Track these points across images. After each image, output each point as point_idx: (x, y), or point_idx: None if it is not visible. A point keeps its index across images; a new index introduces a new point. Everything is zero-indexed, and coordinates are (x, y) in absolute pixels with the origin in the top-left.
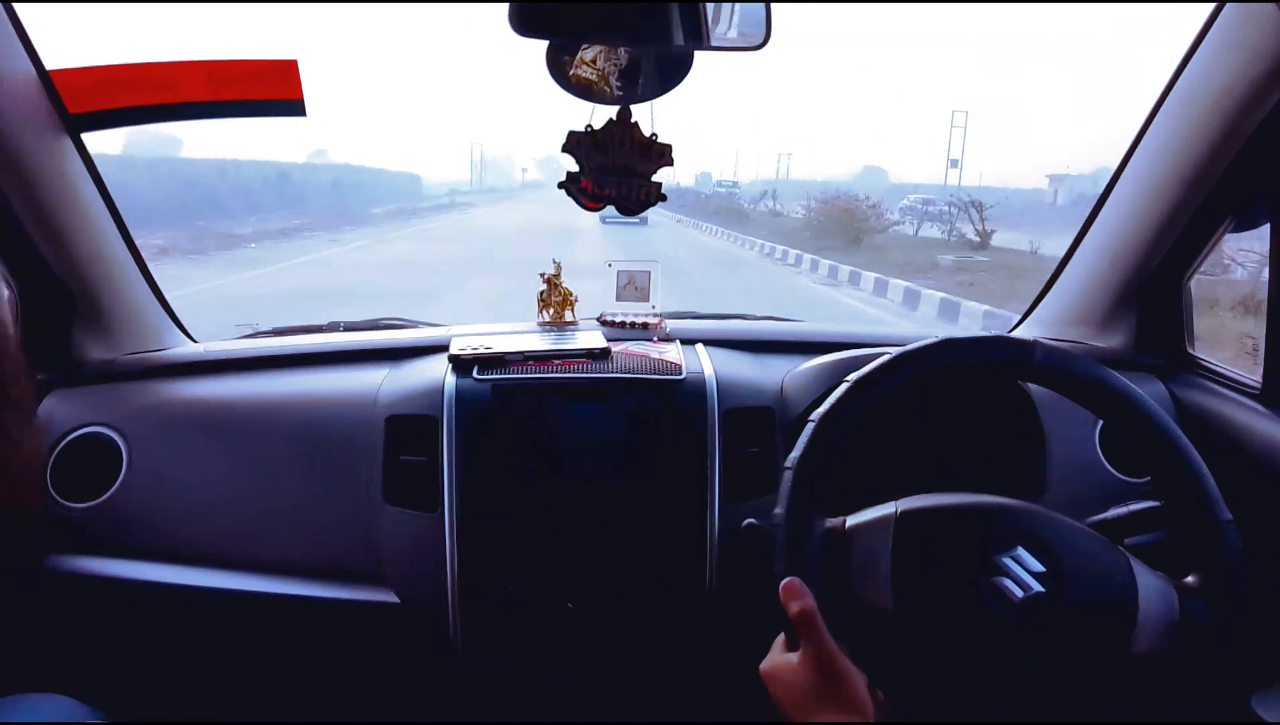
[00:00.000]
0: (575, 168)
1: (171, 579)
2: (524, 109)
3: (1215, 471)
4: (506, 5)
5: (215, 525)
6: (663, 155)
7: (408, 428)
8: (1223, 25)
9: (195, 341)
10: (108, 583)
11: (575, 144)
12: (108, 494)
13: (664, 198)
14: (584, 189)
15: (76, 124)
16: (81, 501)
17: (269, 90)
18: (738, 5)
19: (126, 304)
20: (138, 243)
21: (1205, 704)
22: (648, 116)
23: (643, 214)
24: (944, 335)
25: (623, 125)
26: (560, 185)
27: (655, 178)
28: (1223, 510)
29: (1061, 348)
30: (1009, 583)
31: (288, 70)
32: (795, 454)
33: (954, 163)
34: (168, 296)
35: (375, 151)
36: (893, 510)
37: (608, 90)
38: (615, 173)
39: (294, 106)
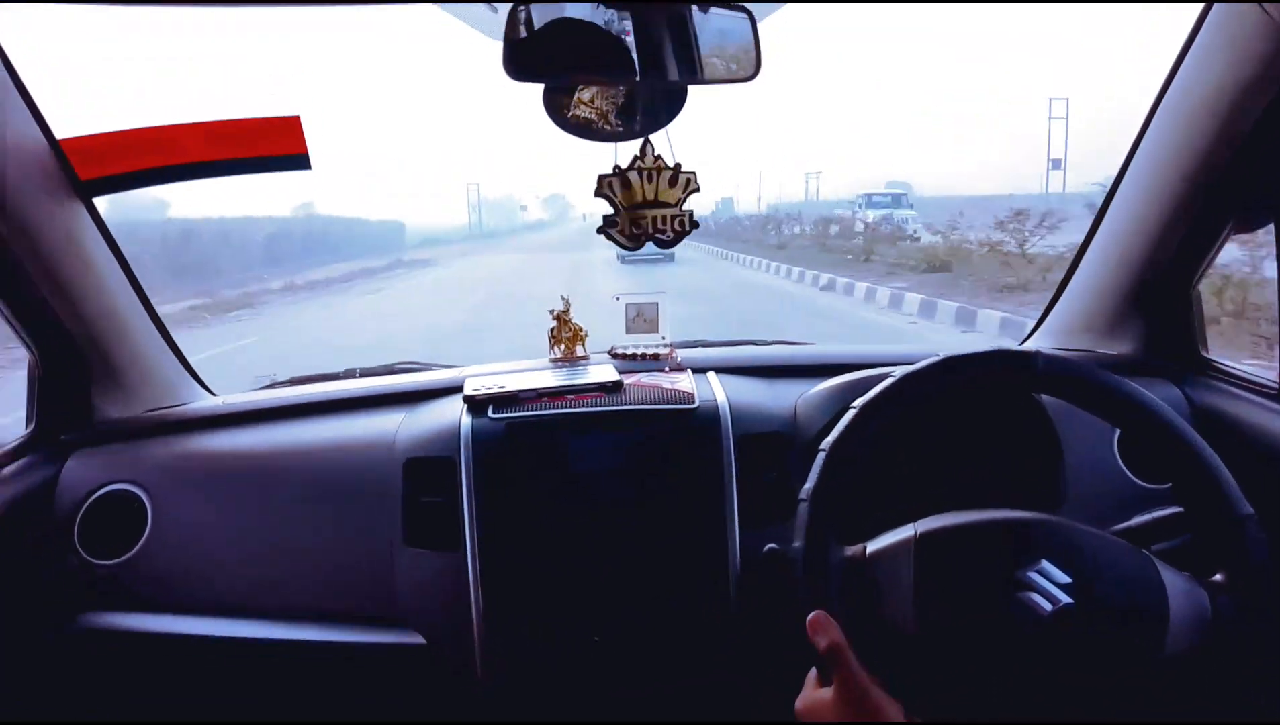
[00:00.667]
0: (610, 210)
1: (200, 630)
2: (524, 148)
3: (1235, 472)
4: (500, 50)
5: (241, 575)
6: (689, 183)
7: (426, 470)
8: (1211, 27)
9: (214, 394)
10: (138, 637)
11: (606, 187)
12: (134, 550)
13: (696, 225)
14: (621, 230)
15: (87, 189)
16: (109, 558)
17: (273, 146)
18: (729, 39)
19: (144, 362)
20: None
21: (1241, 703)
22: (667, 147)
23: (669, 250)
24: (945, 353)
25: (647, 159)
26: (599, 231)
27: (685, 207)
28: (1243, 505)
29: (1063, 356)
30: (1036, 597)
31: (291, 126)
32: (809, 485)
33: (1055, 164)
34: None
35: (367, 201)
36: (911, 533)
37: (608, 127)
38: (648, 208)
39: (299, 161)
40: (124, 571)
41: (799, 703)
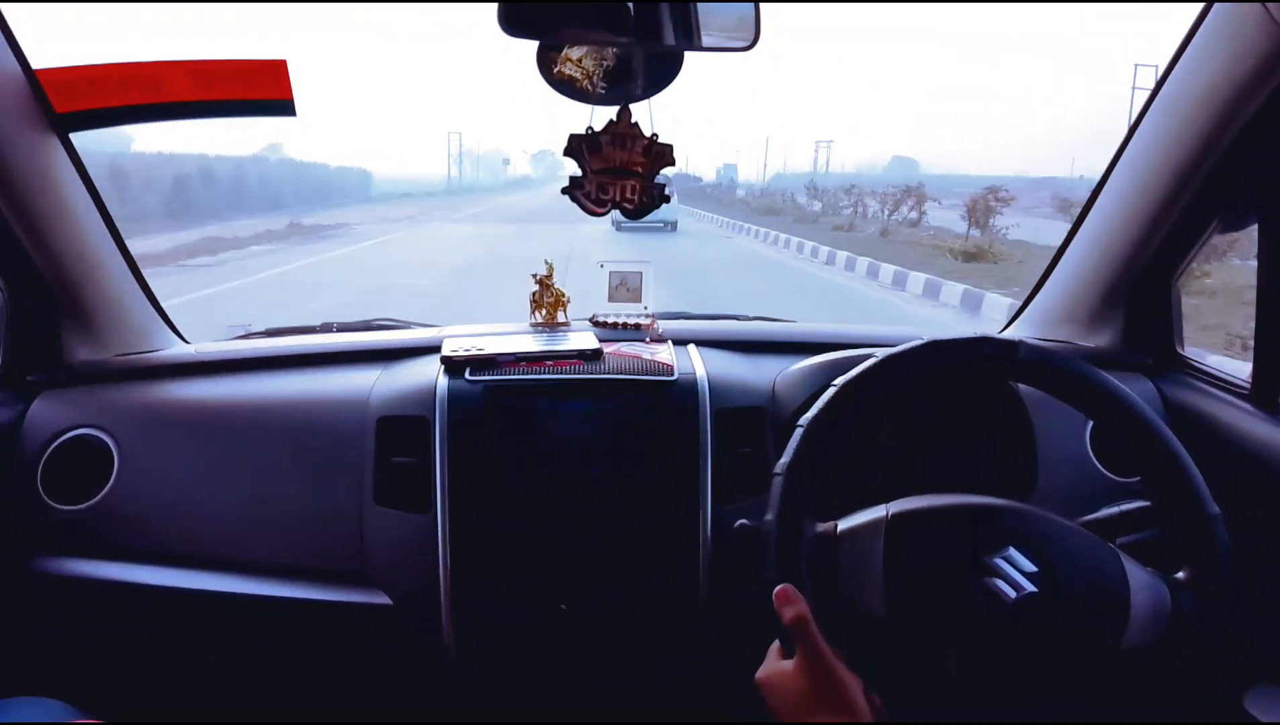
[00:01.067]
0: (578, 172)
1: (162, 581)
2: (512, 99)
3: (1204, 470)
4: (495, 4)
5: (206, 527)
6: (663, 156)
7: (400, 429)
8: (1210, 25)
9: (187, 342)
10: (99, 585)
11: (575, 147)
12: (99, 496)
13: (667, 199)
14: (587, 193)
15: (64, 124)
16: (72, 503)
17: (258, 90)
18: (728, 5)
19: (116, 305)
20: None
21: (1198, 701)
22: (646, 116)
23: (672, 217)
24: (929, 336)
25: (622, 126)
26: (564, 191)
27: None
28: (1210, 504)
29: (1045, 346)
30: (1001, 583)
31: (277, 70)
32: (784, 460)
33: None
34: None
35: (346, 147)
36: (884, 513)
37: (591, 89)
38: (617, 175)
39: (284, 106)
40: (87, 518)
41: (760, 673)
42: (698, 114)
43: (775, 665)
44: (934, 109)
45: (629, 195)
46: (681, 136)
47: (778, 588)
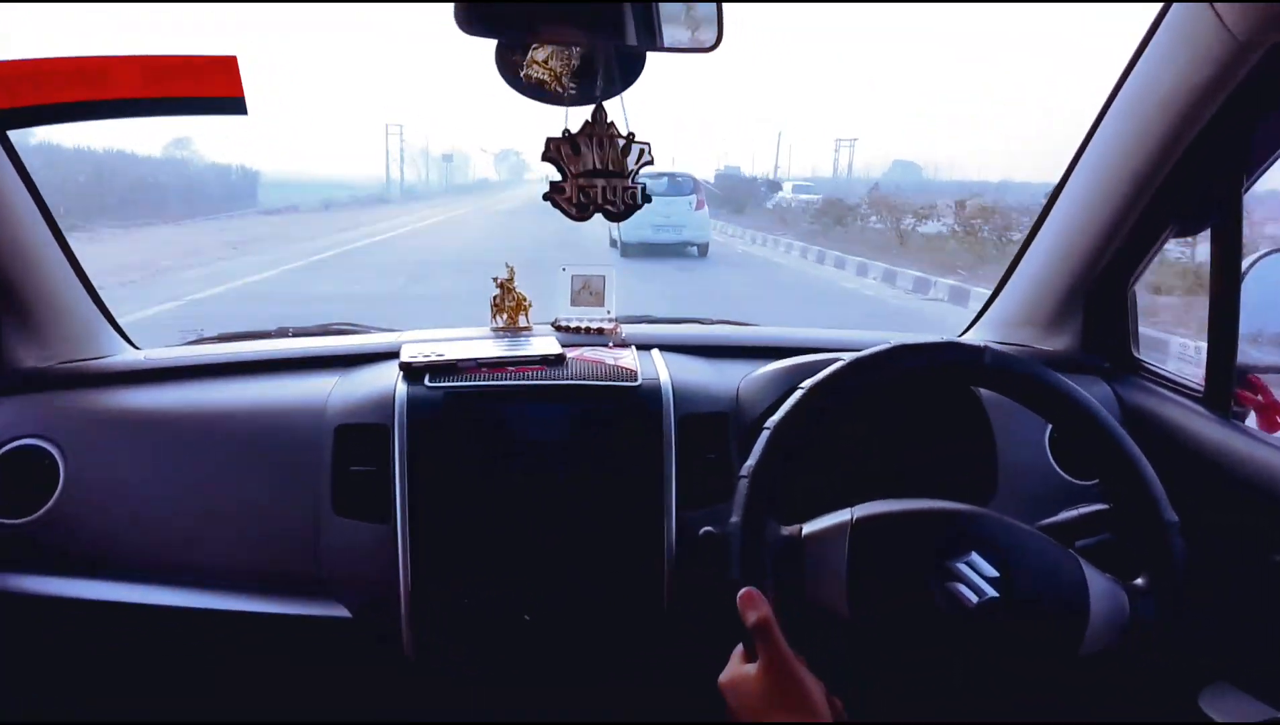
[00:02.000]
0: (558, 177)
1: (113, 596)
2: (472, 95)
3: (1158, 472)
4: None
5: (158, 540)
6: (642, 154)
7: (358, 437)
8: (1166, 31)
9: (137, 348)
10: (45, 601)
11: (555, 151)
12: (43, 509)
13: (649, 199)
14: (569, 199)
15: (1, 121)
16: (15, 517)
17: (208, 87)
18: (690, 5)
19: (61, 309)
20: None
21: (1153, 703)
22: (621, 115)
23: (701, 237)
24: (895, 341)
25: (599, 125)
26: (545, 197)
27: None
28: (1169, 512)
29: (1011, 353)
30: (963, 588)
31: (228, 66)
32: (750, 463)
33: None
34: None
35: (273, 143)
36: (848, 517)
37: (560, 90)
38: (597, 176)
39: (234, 104)
40: (31, 531)
41: (723, 677)
42: (694, 114)
43: (738, 669)
44: (931, 110)
45: (610, 197)
46: (685, 137)
47: (741, 591)
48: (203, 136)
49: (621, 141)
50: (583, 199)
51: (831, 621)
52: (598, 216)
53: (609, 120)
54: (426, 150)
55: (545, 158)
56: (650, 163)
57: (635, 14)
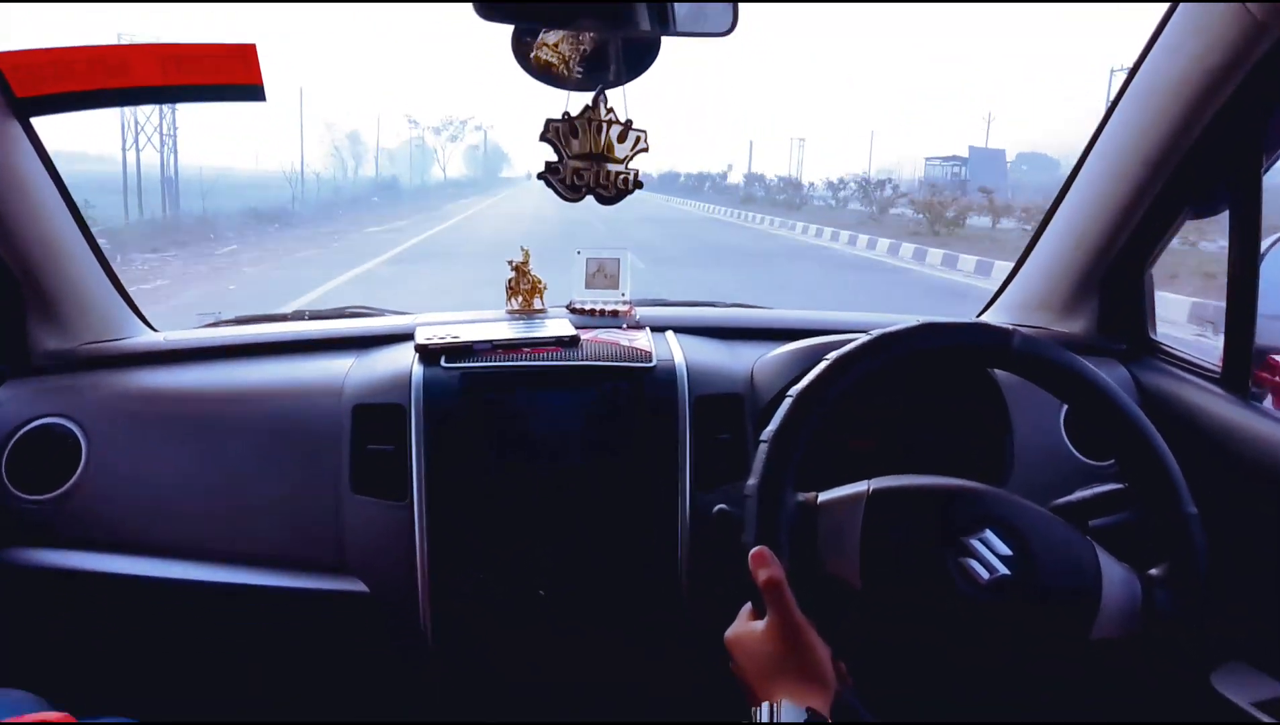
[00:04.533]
0: (553, 157)
1: (134, 571)
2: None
3: (1175, 453)
4: None
5: (178, 517)
6: (638, 141)
7: (375, 417)
8: (1183, 14)
9: (155, 330)
10: (68, 575)
11: (553, 132)
12: (66, 486)
13: (640, 185)
14: (562, 179)
15: (24, 108)
16: (39, 493)
17: (227, 75)
18: None
19: (83, 293)
20: None
21: (1166, 684)
22: (621, 103)
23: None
24: (924, 319)
25: (598, 111)
26: (539, 176)
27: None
28: (1189, 504)
29: (1038, 337)
30: (975, 564)
31: (247, 55)
32: (771, 428)
33: None
34: None
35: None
36: (865, 488)
37: (569, 74)
38: (593, 160)
39: (253, 91)
40: (55, 508)
41: (730, 632)
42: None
43: (745, 626)
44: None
45: (603, 181)
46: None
47: (754, 549)
48: None
49: (619, 128)
50: (576, 181)
51: (842, 589)
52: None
53: (609, 107)
54: (384, 144)
55: (543, 138)
56: (646, 150)
57: (651, 4)
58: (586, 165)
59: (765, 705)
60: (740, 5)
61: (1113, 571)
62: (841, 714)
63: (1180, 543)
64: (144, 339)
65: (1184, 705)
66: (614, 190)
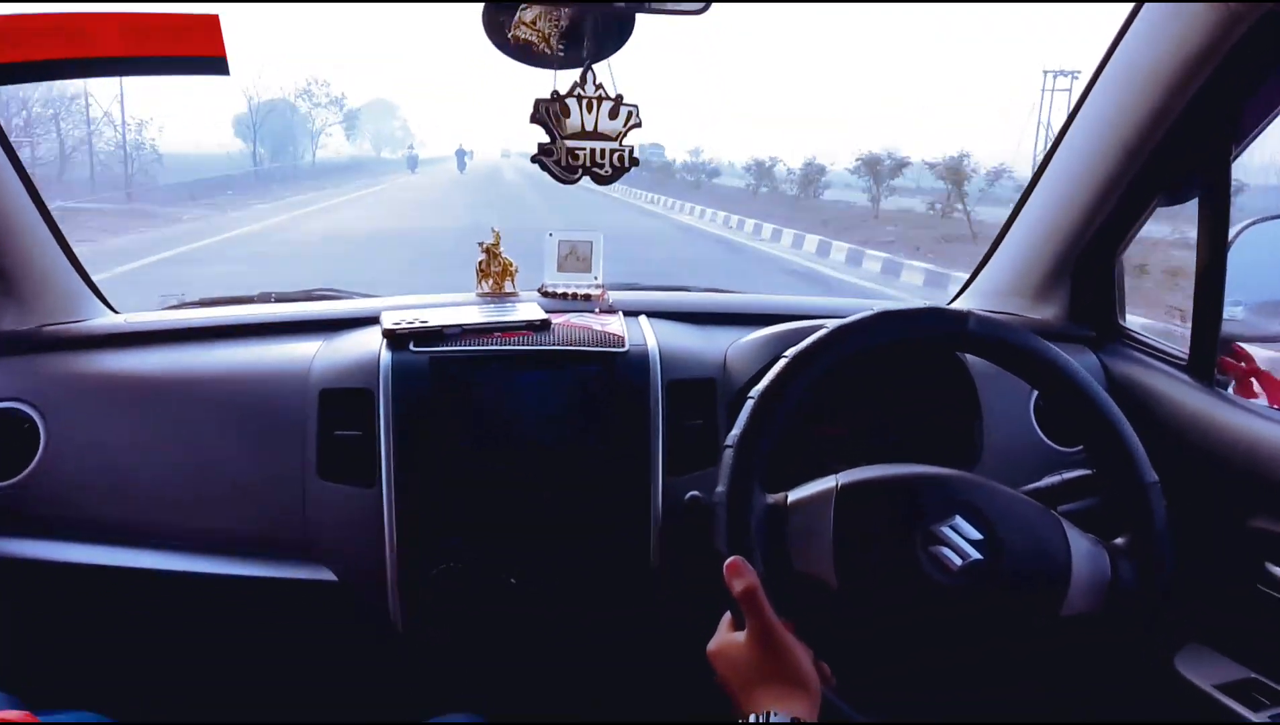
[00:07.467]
0: (546, 138)
1: (95, 560)
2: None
3: (1143, 438)
4: None
5: (141, 504)
6: (630, 116)
7: (342, 401)
8: (1153, 4)
9: (116, 312)
10: (26, 564)
11: (544, 113)
12: (24, 473)
13: (636, 162)
14: (557, 161)
15: None
16: None
17: (189, 46)
18: None
19: (40, 272)
20: None
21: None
22: (609, 77)
23: None
24: (879, 307)
25: (587, 87)
26: (533, 159)
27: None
28: (1149, 472)
29: (994, 318)
30: (947, 551)
31: (209, 25)
32: (735, 432)
33: None
34: None
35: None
36: (833, 484)
37: (550, 51)
38: (586, 139)
39: (216, 64)
40: (12, 495)
41: (711, 645)
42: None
43: (726, 637)
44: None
45: (599, 160)
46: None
47: (728, 560)
48: None
49: (609, 104)
50: (571, 161)
51: (819, 588)
52: None
53: (598, 82)
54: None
55: (534, 120)
56: (639, 125)
57: None
58: (580, 145)
59: (752, 717)
60: None
61: (1080, 546)
62: (828, 715)
63: (1142, 511)
64: (105, 321)
65: (1147, 687)
66: (610, 168)
